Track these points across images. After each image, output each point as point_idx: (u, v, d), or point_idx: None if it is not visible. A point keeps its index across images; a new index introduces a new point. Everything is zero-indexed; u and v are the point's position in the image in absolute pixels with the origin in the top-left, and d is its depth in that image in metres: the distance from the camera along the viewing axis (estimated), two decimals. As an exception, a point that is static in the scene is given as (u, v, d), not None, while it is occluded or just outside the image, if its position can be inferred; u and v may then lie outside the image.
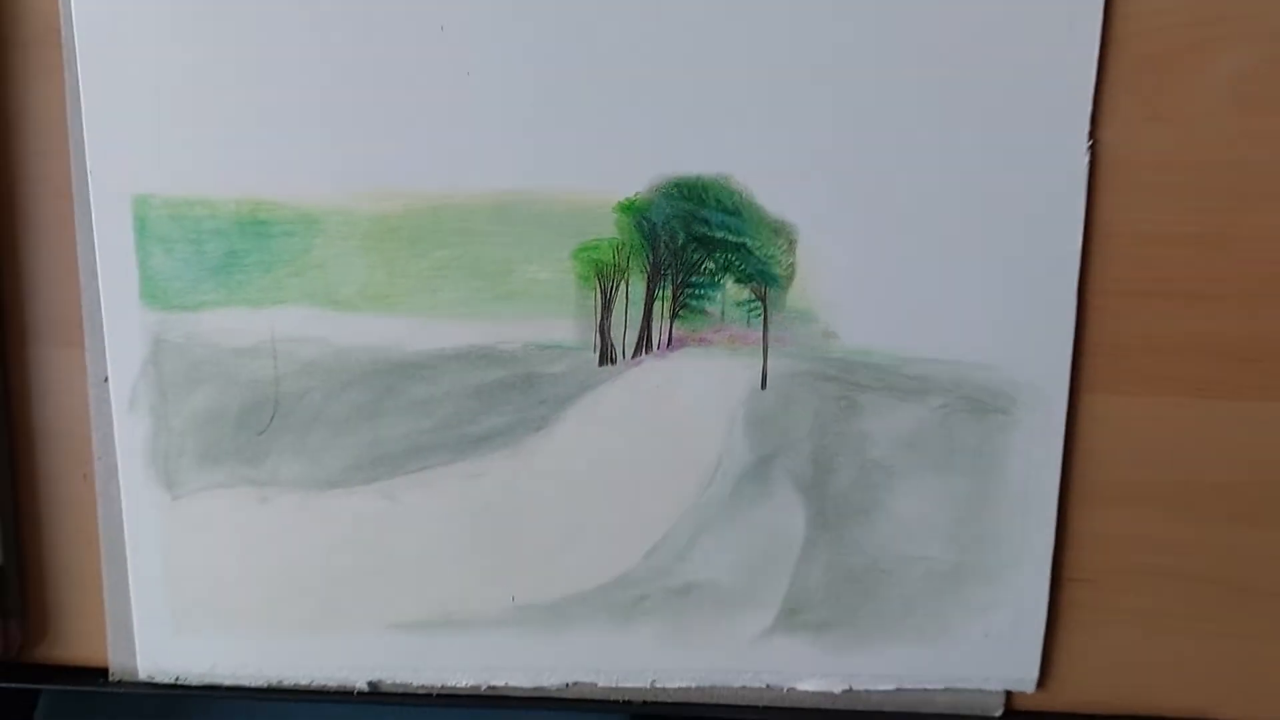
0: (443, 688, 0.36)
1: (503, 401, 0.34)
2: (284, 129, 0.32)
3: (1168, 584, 0.35)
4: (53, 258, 0.33)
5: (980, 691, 0.35)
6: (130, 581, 0.35)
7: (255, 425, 0.34)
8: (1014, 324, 0.33)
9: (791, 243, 0.33)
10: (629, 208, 0.33)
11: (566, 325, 0.33)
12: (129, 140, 0.32)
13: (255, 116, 0.32)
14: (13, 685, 0.35)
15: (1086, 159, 0.32)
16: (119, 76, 0.32)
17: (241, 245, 0.33)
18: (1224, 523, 0.34)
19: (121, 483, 0.34)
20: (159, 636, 0.35)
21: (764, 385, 0.34)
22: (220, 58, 0.32)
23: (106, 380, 0.34)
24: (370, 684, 0.36)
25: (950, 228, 0.32)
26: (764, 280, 0.33)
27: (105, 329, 0.33)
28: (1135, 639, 0.35)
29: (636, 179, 0.33)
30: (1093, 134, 0.32)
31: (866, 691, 0.36)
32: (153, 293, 0.33)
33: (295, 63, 0.32)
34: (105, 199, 0.32)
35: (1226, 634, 0.35)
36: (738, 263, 0.33)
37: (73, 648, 0.36)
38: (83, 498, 0.35)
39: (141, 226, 0.33)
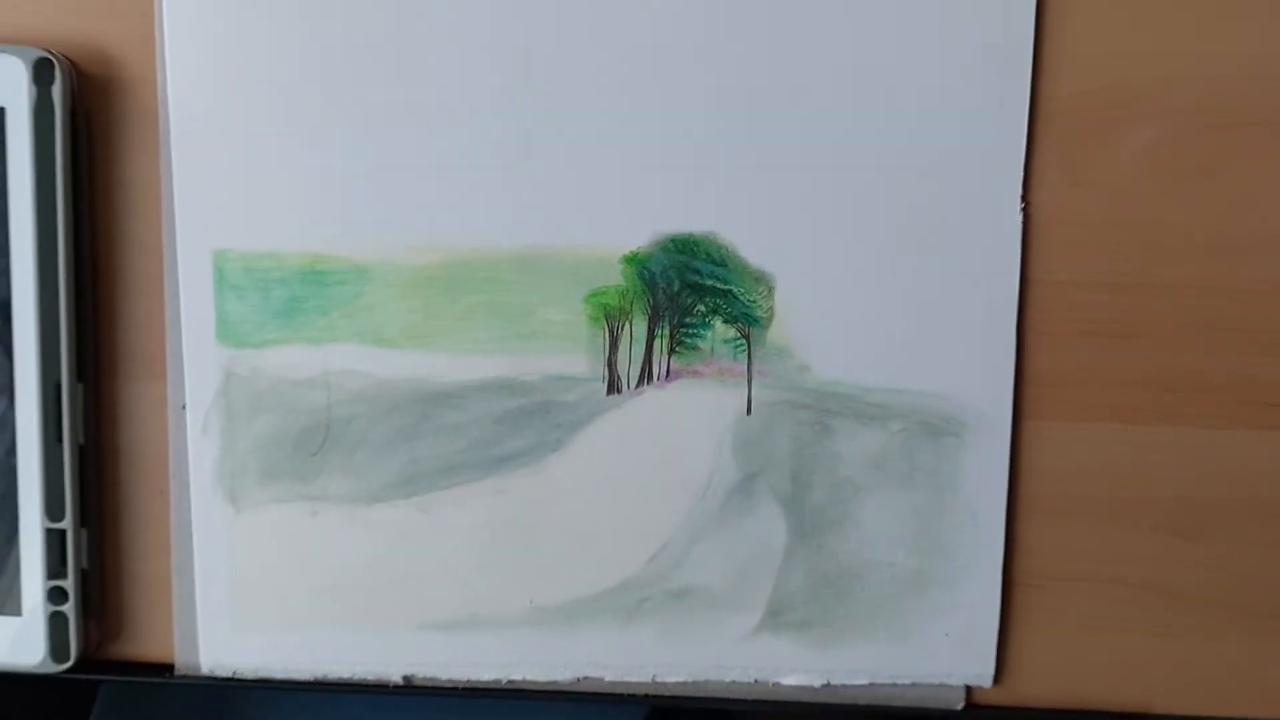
0: (468, 681, 0.40)
1: (523, 426, 0.39)
2: (340, 194, 0.38)
3: (1105, 588, 0.40)
4: (142, 305, 0.39)
5: (943, 686, 0.40)
6: (196, 586, 0.40)
7: (309, 447, 0.39)
8: (963, 359, 0.38)
9: (770, 290, 0.39)
10: (632, 260, 0.39)
11: (579, 360, 0.39)
12: (211, 205, 0.38)
13: (316, 184, 0.38)
14: (91, 678, 0.40)
15: (1020, 219, 0.38)
16: (205, 152, 0.38)
17: (302, 292, 0.38)
18: (1151, 533, 0.39)
19: (192, 498, 0.39)
20: (220, 635, 0.40)
21: (749, 412, 0.39)
22: (288, 138, 0.38)
23: (184, 408, 0.39)
24: (404, 678, 0.40)
25: (905, 277, 0.38)
26: (747, 321, 0.39)
27: (185, 364, 0.39)
28: (1080, 638, 0.40)
29: (639, 235, 0.39)
30: (1024, 198, 0.38)
31: (843, 686, 0.40)
32: (226, 333, 0.39)
33: (350, 141, 0.38)
34: (189, 254, 0.38)
35: (1158, 633, 0.40)
36: (725, 307, 0.39)
37: (142, 645, 0.41)
38: (157, 512, 0.40)
39: (219, 277, 0.38)
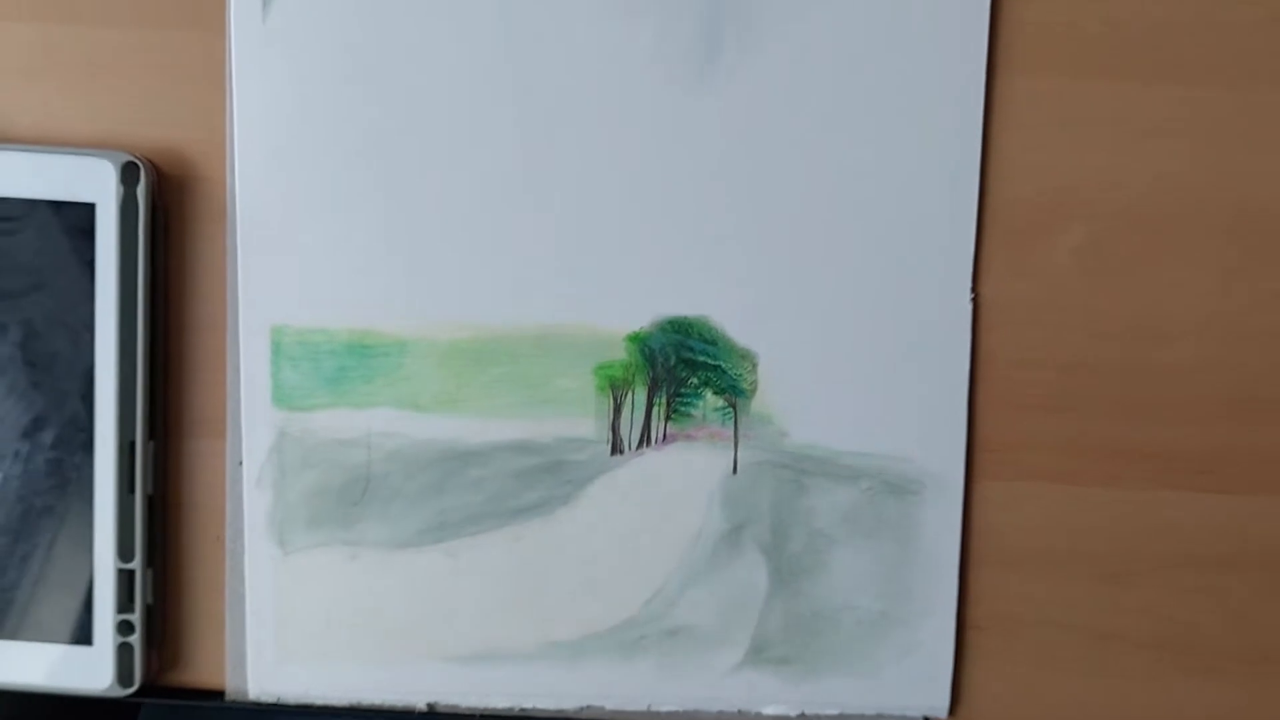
0: (485, 709, 0.45)
1: (538, 482, 0.45)
2: (384, 278, 0.44)
3: (1049, 631, 0.45)
4: (207, 372, 0.45)
5: (904, 717, 0.45)
6: (246, 621, 0.45)
7: (351, 498, 0.45)
8: (922, 427, 0.44)
9: (754, 365, 0.44)
10: (635, 338, 0.44)
11: (587, 424, 0.44)
12: (270, 286, 0.44)
13: (363, 269, 0.44)
14: (153, 701, 0.45)
15: (970, 306, 0.43)
16: (265, 240, 0.44)
17: (349, 363, 0.44)
18: (1090, 582, 0.44)
19: (245, 543, 0.45)
20: (266, 664, 0.45)
21: (735, 471, 0.45)
22: (338, 229, 0.44)
23: (240, 464, 0.45)
24: (429, 705, 0.45)
25: (871, 355, 0.44)
26: (734, 392, 0.44)
27: (243, 425, 0.44)
28: (1026, 675, 0.45)
29: (641, 317, 0.44)
30: (974, 288, 0.43)
31: (816, 715, 0.45)
32: (280, 398, 0.44)
33: (393, 232, 0.44)
34: (250, 329, 0.44)
35: (1098, 673, 0.45)
36: (715, 379, 0.44)
37: (197, 673, 0.46)
38: (214, 554, 0.45)
39: (276, 349, 0.44)
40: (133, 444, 0.44)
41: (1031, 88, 0.42)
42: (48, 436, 0.44)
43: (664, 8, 0.42)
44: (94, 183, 0.42)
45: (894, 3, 0.42)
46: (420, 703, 0.45)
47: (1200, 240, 0.43)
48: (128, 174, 0.42)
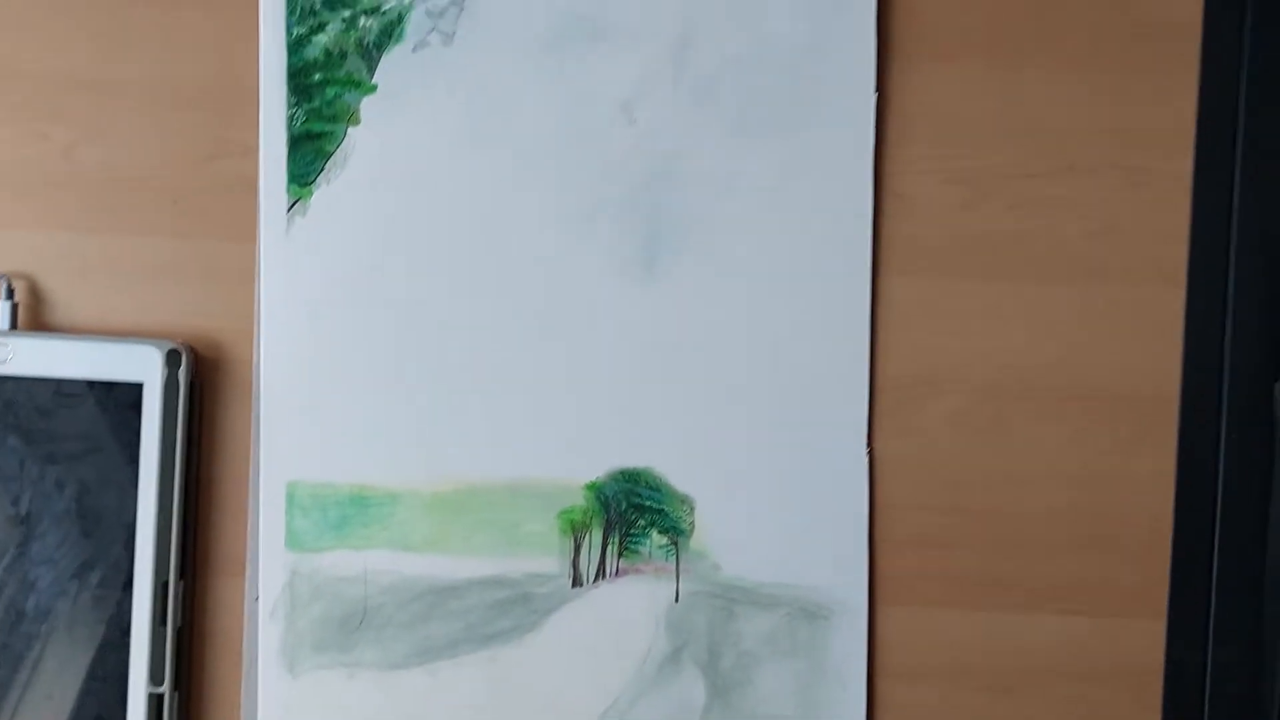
0: (464, 810, 0.53)
1: (509, 612, 0.53)
2: (382, 442, 0.53)
3: (943, 735, 0.53)
4: (230, 521, 0.53)
5: (824, 811, 0.53)
6: (258, 736, 0.53)
7: (350, 627, 0.53)
8: (830, 561, 0.52)
9: (692, 508, 0.53)
10: (592, 487, 0.53)
11: (552, 561, 0.53)
12: (286, 449, 0.53)
13: (364, 434, 0.53)
14: (175, 807, 0.52)
15: (866, 460, 0.53)
16: (283, 411, 0.53)
17: (351, 511, 0.53)
18: (977, 692, 0.53)
19: (260, 667, 0.53)
20: (275, 774, 0.53)
21: (677, 600, 0.53)
22: (344, 402, 0.53)
23: (257, 599, 0.53)
24: (415, 807, 0.53)
25: (788, 502, 0.52)
26: (676, 532, 0.53)
27: (260, 566, 0.53)
28: (926, 774, 0.53)
29: (597, 469, 0.53)
30: (869, 444, 0.53)
31: (748, 811, 0.53)
32: (293, 542, 0.53)
33: (391, 406, 0.53)
34: (269, 484, 0.53)
35: (984, 769, 0.53)
36: (659, 521, 0.53)
37: (214, 782, 0.53)
38: (233, 677, 0.53)
39: (291, 500, 0.53)
40: (166, 583, 0.51)
41: (908, 286, 0.53)
42: (94, 577, 0.51)
43: (615, 227, 0.52)
44: (142, 366, 0.51)
45: (794, 219, 0.52)
46: (408, 806, 0.53)
47: (1048, 407, 0.53)
48: (171, 359, 0.51)
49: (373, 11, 0.52)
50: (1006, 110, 0.52)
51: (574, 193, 0.53)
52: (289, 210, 0.53)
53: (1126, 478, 0.53)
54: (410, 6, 0.52)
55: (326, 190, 0.53)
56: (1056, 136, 0.52)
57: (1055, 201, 0.52)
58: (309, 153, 0.52)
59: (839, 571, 0.53)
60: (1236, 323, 0.53)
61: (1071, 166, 0.52)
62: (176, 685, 0.52)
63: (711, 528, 0.53)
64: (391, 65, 0.52)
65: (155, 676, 0.51)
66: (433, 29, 0.52)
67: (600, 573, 0.53)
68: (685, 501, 0.53)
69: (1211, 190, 0.53)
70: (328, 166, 0.52)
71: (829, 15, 0.52)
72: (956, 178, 0.52)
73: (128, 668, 0.51)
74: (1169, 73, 0.52)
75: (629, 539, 0.53)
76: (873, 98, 0.52)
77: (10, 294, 0.52)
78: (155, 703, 0.51)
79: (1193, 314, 0.53)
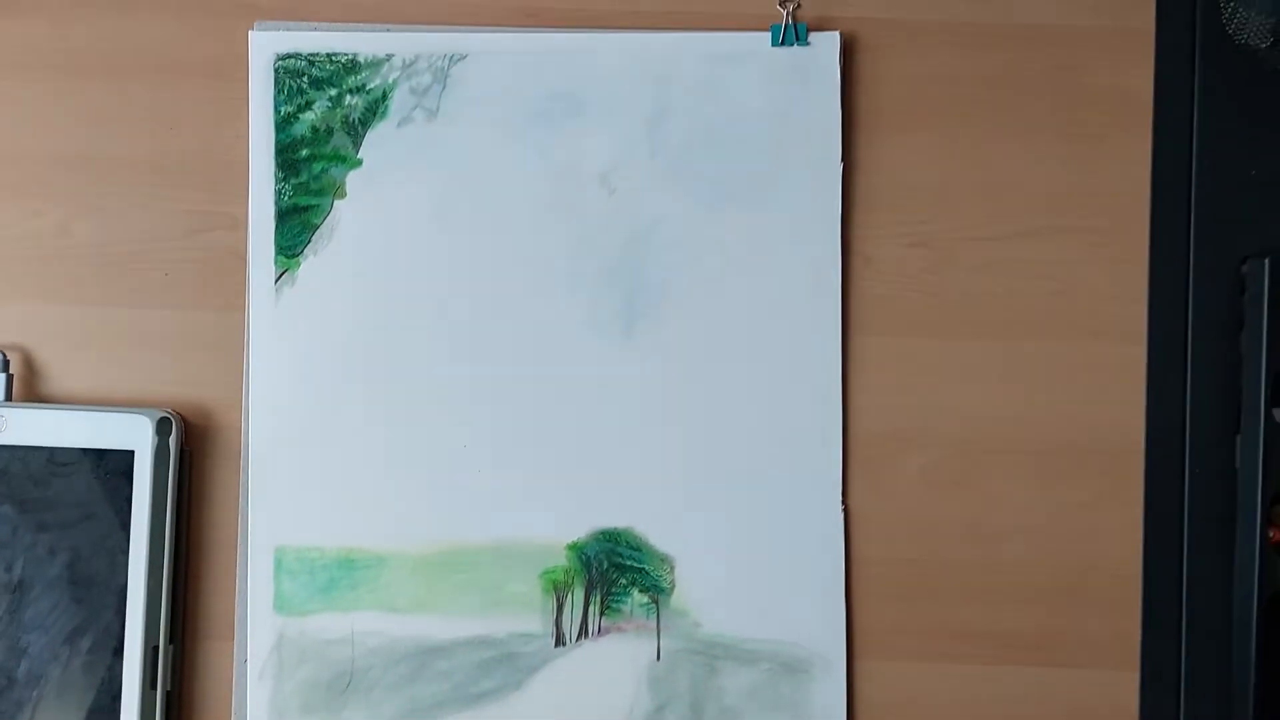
0: None
1: (494, 671, 0.54)
2: (367, 505, 0.54)
3: (922, 786, 0.54)
4: (219, 585, 0.54)
5: None
6: (246, 799, 0.53)
7: (338, 688, 0.53)
8: (810, 617, 0.54)
9: (672, 568, 0.54)
10: (574, 547, 0.54)
11: (535, 621, 0.54)
12: (274, 514, 0.54)
13: (350, 498, 0.54)
14: None
15: (841, 516, 0.54)
16: (270, 477, 0.54)
17: (338, 575, 0.54)
18: (954, 744, 0.54)
19: (247, 730, 0.53)
20: (263, 837, 0.53)
21: (659, 658, 0.54)
22: (330, 469, 0.54)
23: (246, 661, 0.53)
24: None
25: (767, 560, 0.54)
26: (656, 591, 0.54)
27: (249, 629, 0.53)
28: (906, 826, 0.54)
29: (578, 529, 0.54)
30: (844, 501, 0.54)
31: None
32: (281, 605, 0.54)
33: (375, 472, 0.54)
34: (257, 549, 0.54)
35: (963, 820, 0.54)
36: (640, 580, 0.54)
37: None
38: (221, 740, 0.54)
39: (279, 565, 0.54)
40: (156, 648, 0.52)
41: (878, 345, 0.54)
42: (85, 643, 0.52)
43: (595, 293, 0.54)
44: (134, 434, 0.52)
45: (766, 283, 0.54)
46: None
47: (1017, 461, 0.54)
48: (162, 427, 0.53)
49: (358, 90, 0.54)
50: (967, 176, 0.55)
51: (555, 260, 0.55)
52: (277, 281, 0.54)
53: (1095, 530, 0.54)
54: (395, 84, 0.54)
55: (313, 261, 0.54)
56: (1016, 200, 0.54)
57: (1017, 263, 0.54)
58: (296, 225, 0.54)
59: (818, 626, 0.54)
60: (1196, 378, 0.54)
61: (1031, 229, 0.54)
62: (165, 749, 0.53)
63: (691, 585, 0.54)
64: (376, 140, 0.55)
65: (145, 741, 0.52)
66: (416, 105, 0.54)
67: (583, 631, 0.54)
68: (665, 560, 0.54)
69: (1167, 250, 0.55)
70: (314, 238, 0.54)
71: (796, 90, 0.54)
72: (921, 241, 0.55)
73: (117, 733, 0.52)
74: (1123, 138, 0.55)
75: (610, 598, 0.54)
76: (839, 167, 0.54)
77: (5, 365, 0.54)
78: (145, 767, 0.52)
79: (1154, 370, 0.55)
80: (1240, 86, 0.55)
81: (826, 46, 0.54)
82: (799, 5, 0.54)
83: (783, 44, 0.54)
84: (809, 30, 0.54)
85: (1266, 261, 0.53)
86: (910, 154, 0.55)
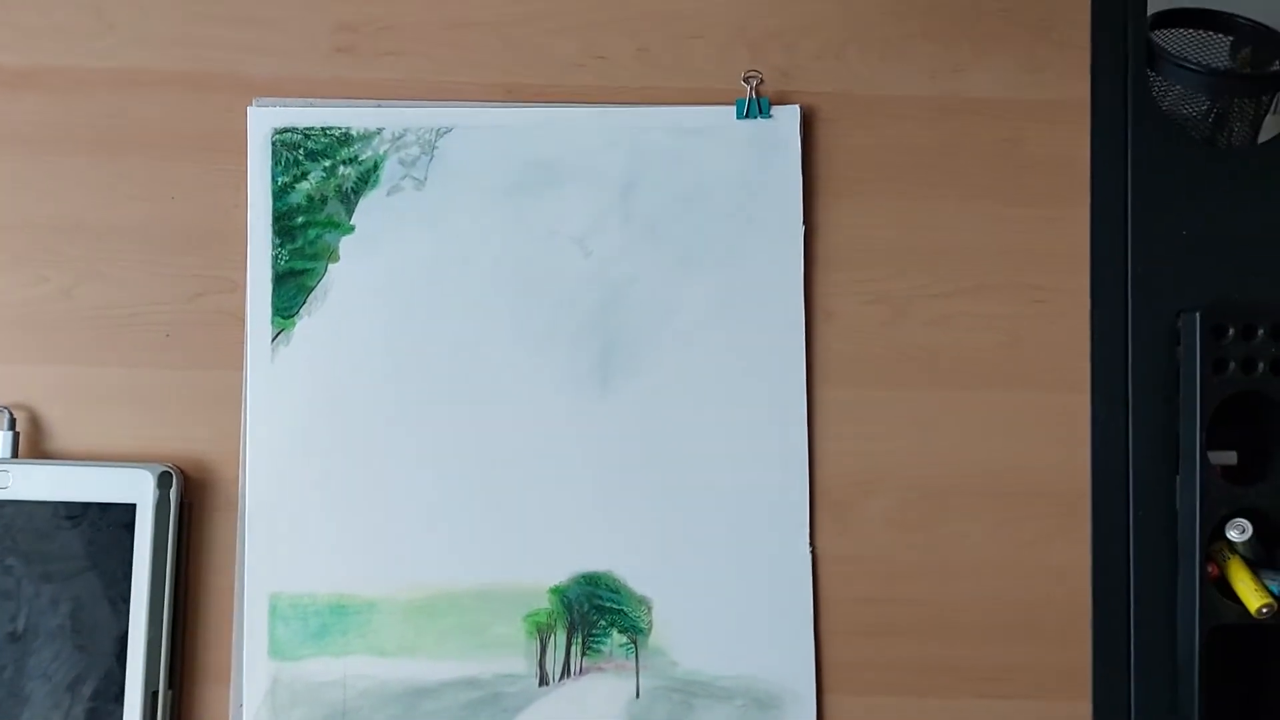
0: None
1: (480, 711, 0.56)
2: (358, 554, 0.56)
3: (890, 815, 0.57)
4: (216, 632, 0.56)
5: None
6: (241, 840, 0.55)
7: (330, 731, 0.56)
8: (780, 654, 0.57)
9: (650, 609, 0.57)
10: (556, 590, 0.57)
11: (519, 662, 0.56)
12: (269, 562, 0.56)
13: (342, 547, 0.57)
14: None
15: (809, 557, 0.57)
16: (266, 528, 0.56)
17: (330, 620, 0.56)
18: (919, 774, 0.57)
19: (243, 772, 0.55)
20: None
21: (638, 695, 0.57)
22: (322, 520, 0.57)
23: (242, 705, 0.56)
24: None
25: (739, 599, 0.57)
26: (635, 631, 0.57)
27: (244, 674, 0.56)
28: None
29: (560, 573, 0.57)
30: (811, 542, 0.57)
31: None
32: (276, 650, 0.56)
33: (367, 523, 0.57)
34: (253, 597, 0.56)
35: None
36: (619, 621, 0.57)
37: None
38: (217, 783, 0.56)
39: (273, 612, 0.56)
40: (156, 693, 0.54)
41: (841, 396, 0.58)
42: (87, 690, 0.54)
43: (572, 349, 0.58)
44: (136, 488, 0.55)
45: (734, 338, 0.58)
46: None
47: (973, 504, 0.58)
48: (163, 480, 0.55)
49: (351, 161, 0.58)
50: (920, 237, 0.59)
51: (534, 318, 0.58)
52: (273, 340, 0.57)
53: (1046, 568, 0.58)
54: (385, 156, 0.58)
55: (308, 322, 0.57)
56: (966, 259, 0.59)
57: (968, 317, 0.58)
58: (292, 288, 0.58)
59: (788, 662, 0.57)
60: (1137, 424, 0.58)
61: (979, 286, 0.58)
62: (163, 793, 0.55)
63: (668, 626, 0.57)
64: (368, 208, 0.58)
65: (143, 785, 0.54)
66: (405, 175, 0.58)
67: (565, 671, 0.57)
68: (643, 602, 0.57)
69: (1107, 305, 0.59)
70: (309, 300, 0.57)
71: (759, 158, 0.58)
72: (879, 297, 0.58)
73: (117, 777, 0.54)
74: (1063, 202, 0.59)
75: (591, 639, 0.57)
76: (800, 229, 0.58)
77: (12, 424, 0.56)
78: (143, 810, 0.54)
79: (1097, 417, 0.58)
80: (1170, 153, 0.59)
81: (787, 119, 0.58)
82: (761, 81, 0.59)
83: (747, 116, 0.58)
84: (771, 104, 0.58)
85: (1198, 315, 0.57)
86: (867, 217, 0.59)
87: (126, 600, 0.55)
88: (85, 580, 0.55)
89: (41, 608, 0.55)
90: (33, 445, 0.57)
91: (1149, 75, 0.60)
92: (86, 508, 0.55)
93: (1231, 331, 0.57)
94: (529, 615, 0.57)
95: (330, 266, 0.58)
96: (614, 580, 0.57)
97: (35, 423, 0.57)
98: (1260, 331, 0.57)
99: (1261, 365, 0.57)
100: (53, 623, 0.55)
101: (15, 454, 0.56)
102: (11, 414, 0.56)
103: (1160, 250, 0.59)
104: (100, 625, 0.55)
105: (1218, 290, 0.59)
